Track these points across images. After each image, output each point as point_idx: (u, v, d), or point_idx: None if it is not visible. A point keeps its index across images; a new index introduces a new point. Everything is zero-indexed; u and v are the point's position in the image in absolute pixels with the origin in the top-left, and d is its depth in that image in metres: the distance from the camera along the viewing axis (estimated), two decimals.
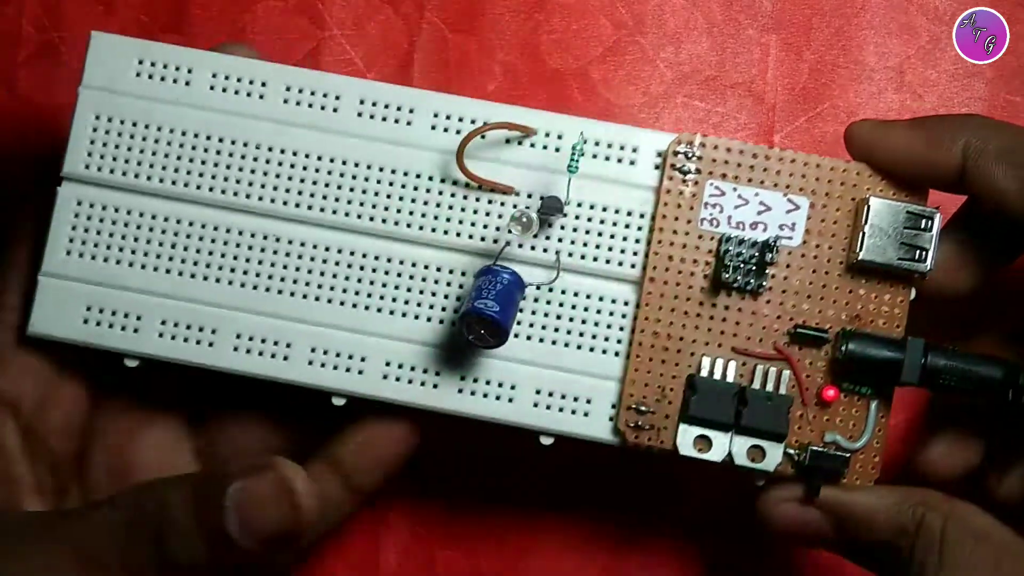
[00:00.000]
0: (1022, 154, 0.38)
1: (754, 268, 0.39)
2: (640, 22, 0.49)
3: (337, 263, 0.40)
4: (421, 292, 0.40)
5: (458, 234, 0.40)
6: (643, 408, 0.39)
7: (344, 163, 0.41)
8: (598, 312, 0.40)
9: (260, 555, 0.35)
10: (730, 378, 0.40)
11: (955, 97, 0.48)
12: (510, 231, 0.39)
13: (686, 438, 0.39)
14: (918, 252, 0.39)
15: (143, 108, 0.41)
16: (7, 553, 0.35)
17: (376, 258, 0.40)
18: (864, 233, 0.39)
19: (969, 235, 0.41)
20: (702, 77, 0.49)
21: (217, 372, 0.40)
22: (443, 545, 0.48)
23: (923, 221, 0.39)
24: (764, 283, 0.40)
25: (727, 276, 0.39)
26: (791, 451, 0.39)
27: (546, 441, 0.40)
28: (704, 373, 0.40)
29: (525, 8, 0.49)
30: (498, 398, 0.40)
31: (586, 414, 0.40)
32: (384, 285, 0.40)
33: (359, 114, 0.41)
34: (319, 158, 0.41)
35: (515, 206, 0.40)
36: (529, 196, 0.40)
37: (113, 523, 0.35)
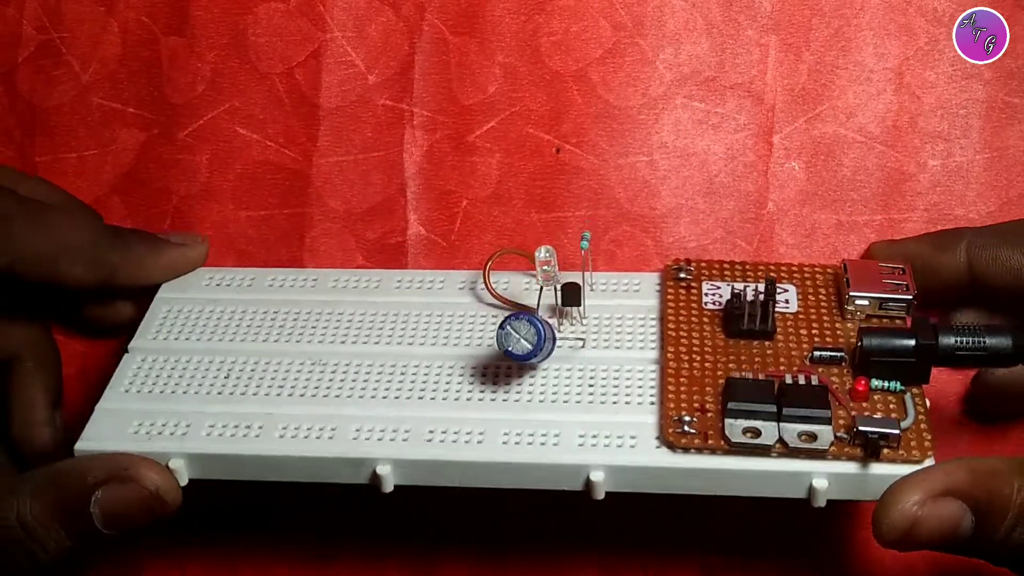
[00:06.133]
0: (1017, 234, 0.42)
1: (760, 312, 0.43)
2: (639, 23, 0.48)
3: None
4: (459, 380, 0.44)
5: (478, 344, 0.45)
6: (686, 418, 0.41)
7: (384, 313, 0.46)
8: (627, 376, 0.43)
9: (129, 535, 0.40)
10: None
11: (953, 98, 0.47)
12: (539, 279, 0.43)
13: (734, 429, 0.40)
14: (902, 288, 0.43)
15: (209, 298, 0.47)
16: None
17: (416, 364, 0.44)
18: (850, 291, 0.43)
19: None
20: (701, 78, 0.48)
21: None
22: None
23: (895, 272, 0.44)
24: (769, 327, 0.43)
25: (740, 325, 0.43)
26: (839, 434, 0.39)
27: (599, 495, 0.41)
28: None
29: (525, 10, 0.48)
30: (543, 444, 0.41)
31: (632, 446, 0.41)
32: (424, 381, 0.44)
33: (397, 288, 0.47)
34: (363, 312, 0.46)
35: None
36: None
37: None
